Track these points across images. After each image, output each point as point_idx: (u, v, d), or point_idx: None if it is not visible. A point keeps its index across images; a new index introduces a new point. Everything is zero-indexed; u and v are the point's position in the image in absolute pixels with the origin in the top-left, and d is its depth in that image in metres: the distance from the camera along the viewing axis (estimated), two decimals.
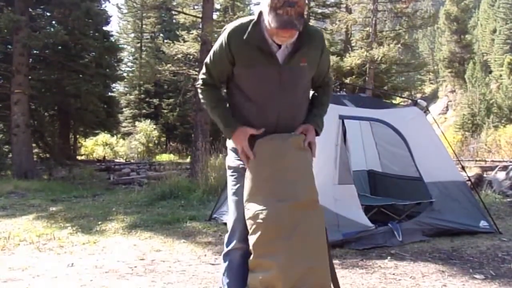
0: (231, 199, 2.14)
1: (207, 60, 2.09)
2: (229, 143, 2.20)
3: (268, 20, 1.81)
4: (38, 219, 5.84)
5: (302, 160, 2.02)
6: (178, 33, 18.39)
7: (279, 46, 1.94)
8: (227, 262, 2.13)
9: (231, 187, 2.15)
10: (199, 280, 3.30)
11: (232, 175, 2.15)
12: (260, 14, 1.92)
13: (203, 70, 2.12)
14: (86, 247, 4.33)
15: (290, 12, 1.75)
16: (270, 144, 1.97)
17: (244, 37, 1.91)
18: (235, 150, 2.15)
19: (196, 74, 16.13)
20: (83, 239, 4.62)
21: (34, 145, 15.03)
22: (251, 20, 1.95)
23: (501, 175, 8.39)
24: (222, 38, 1.99)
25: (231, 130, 2.02)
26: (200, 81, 2.15)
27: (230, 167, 2.18)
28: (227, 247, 2.13)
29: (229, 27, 2.00)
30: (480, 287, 3.11)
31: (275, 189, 1.94)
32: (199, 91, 2.16)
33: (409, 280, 3.24)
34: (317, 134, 2.10)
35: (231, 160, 2.17)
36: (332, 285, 2.05)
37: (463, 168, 6.06)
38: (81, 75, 15.72)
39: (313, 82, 2.16)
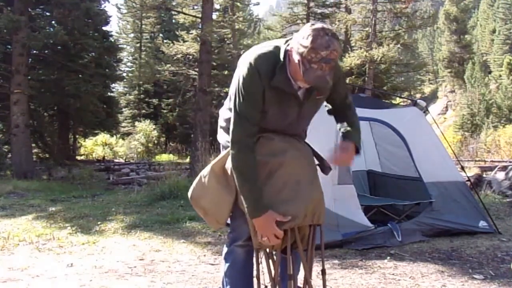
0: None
1: (240, 103, 1.82)
2: (222, 139, 2.12)
3: (297, 69, 1.71)
4: (38, 219, 5.84)
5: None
6: (177, 33, 18.41)
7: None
8: (230, 261, 2.06)
9: None
10: (198, 280, 3.30)
11: None
12: (286, 55, 1.79)
13: (239, 117, 1.83)
14: (85, 247, 4.33)
15: (324, 68, 1.65)
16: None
17: (272, 82, 1.80)
18: None
19: (195, 74, 16.16)
20: (83, 239, 4.62)
21: (33, 145, 15.04)
22: (276, 60, 1.80)
23: (501, 175, 8.38)
24: (252, 71, 1.80)
25: (259, 213, 1.82)
26: (237, 136, 1.84)
27: None
28: (230, 245, 2.05)
29: (254, 61, 1.81)
30: (480, 287, 3.12)
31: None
32: (236, 150, 1.84)
33: (408, 280, 3.24)
34: (357, 151, 2.01)
35: None
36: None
37: (462, 168, 6.06)
38: (80, 75, 15.72)
39: (334, 104, 2.09)
